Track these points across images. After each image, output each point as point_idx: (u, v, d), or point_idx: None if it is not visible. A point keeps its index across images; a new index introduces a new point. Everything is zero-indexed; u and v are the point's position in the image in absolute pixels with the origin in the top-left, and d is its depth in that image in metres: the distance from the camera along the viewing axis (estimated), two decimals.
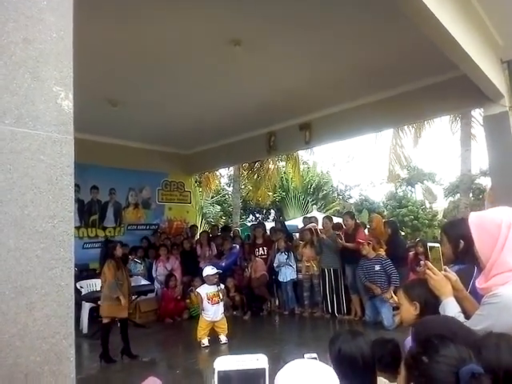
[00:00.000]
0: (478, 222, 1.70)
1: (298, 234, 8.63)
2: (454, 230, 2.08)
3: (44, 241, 1.05)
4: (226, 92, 6.61)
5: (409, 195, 27.96)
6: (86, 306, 6.82)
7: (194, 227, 10.18)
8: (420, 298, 1.85)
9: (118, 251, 5.30)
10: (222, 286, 6.16)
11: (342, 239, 6.97)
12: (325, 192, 23.11)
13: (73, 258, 1.11)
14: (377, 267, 6.28)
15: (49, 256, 1.06)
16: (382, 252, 6.50)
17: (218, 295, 5.79)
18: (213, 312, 5.68)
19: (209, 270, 5.85)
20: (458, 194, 17.60)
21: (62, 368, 1.08)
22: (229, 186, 22.92)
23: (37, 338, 1.02)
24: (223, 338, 5.69)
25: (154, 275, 8.22)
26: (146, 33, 4.72)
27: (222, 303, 5.86)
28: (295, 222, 13.55)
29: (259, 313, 7.71)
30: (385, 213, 23.89)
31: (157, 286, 8.06)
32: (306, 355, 1.85)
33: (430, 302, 1.81)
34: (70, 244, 1.10)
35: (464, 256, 1.99)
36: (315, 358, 1.85)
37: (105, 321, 5.19)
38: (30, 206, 1.03)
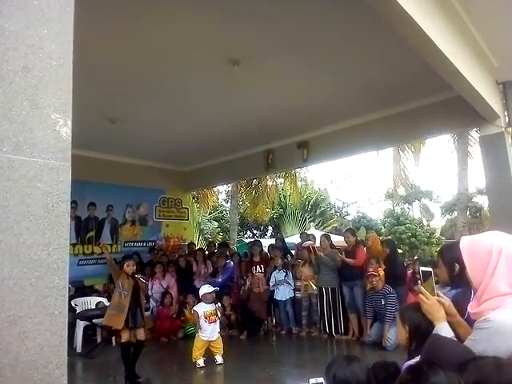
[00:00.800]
0: (469, 246, 1.71)
1: (294, 252, 8.60)
2: (449, 253, 2.08)
3: (38, 269, 1.04)
4: (224, 110, 6.67)
5: (406, 213, 28.01)
6: (81, 325, 6.73)
7: (191, 245, 10.13)
8: (410, 321, 1.87)
9: (126, 269, 5.09)
10: (219, 304, 6.10)
11: (342, 254, 6.95)
12: (322, 209, 23.16)
13: (67, 285, 1.10)
14: (383, 301, 6.18)
15: (43, 284, 1.05)
16: (381, 272, 6.43)
17: (216, 313, 5.73)
18: (210, 331, 5.61)
19: (206, 289, 5.79)
20: (455, 212, 17.62)
21: None
22: (226, 202, 22.94)
23: (29, 368, 1.00)
24: (219, 359, 5.60)
25: (150, 293, 8.12)
26: (146, 50, 4.78)
27: (218, 322, 5.79)
28: (293, 239, 13.51)
29: (256, 332, 7.62)
30: (382, 230, 23.92)
31: (152, 304, 7.97)
32: (312, 380, 1.83)
33: (419, 326, 1.81)
34: (64, 272, 1.10)
35: (460, 279, 1.99)
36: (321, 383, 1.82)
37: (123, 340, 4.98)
38: (26, 233, 1.03)
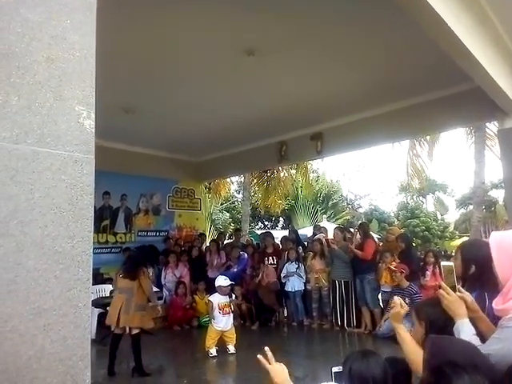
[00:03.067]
0: (497, 242, 1.68)
1: (307, 243, 8.58)
2: (469, 252, 2.03)
3: (63, 261, 1.04)
4: (238, 101, 6.63)
5: (420, 206, 27.72)
6: (95, 312, 6.82)
7: (202, 236, 10.20)
8: (426, 316, 1.84)
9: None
10: (234, 296, 6.12)
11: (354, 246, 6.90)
12: (334, 201, 23.04)
13: (91, 278, 1.11)
14: (407, 299, 5.99)
15: (67, 276, 1.05)
16: (406, 270, 6.34)
17: (230, 306, 5.77)
18: (224, 322, 5.65)
19: (222, 281, 5.79)
20: (470, 206, 17.38)
21: None
22: (238, 193, 22.95)
23: (53, 360, 1.01)
24: (231, 348, 5.65)
25: (163, 282, 8.21)
26: (160, 41, 4.75)
27: (232, 314, 5.83)
28: (304, 230, 13.50)
29: (268, 323, 7.66)
30: (395, 223, 23.72)
31: (165, 293, 8.06)
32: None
33: (435, 322, 1.78)
34: (88, 264, 1.10)
35: (474, 281, 1.94)
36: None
37: (135, 331, 4.97)
38: (51, 226, 1.03)
